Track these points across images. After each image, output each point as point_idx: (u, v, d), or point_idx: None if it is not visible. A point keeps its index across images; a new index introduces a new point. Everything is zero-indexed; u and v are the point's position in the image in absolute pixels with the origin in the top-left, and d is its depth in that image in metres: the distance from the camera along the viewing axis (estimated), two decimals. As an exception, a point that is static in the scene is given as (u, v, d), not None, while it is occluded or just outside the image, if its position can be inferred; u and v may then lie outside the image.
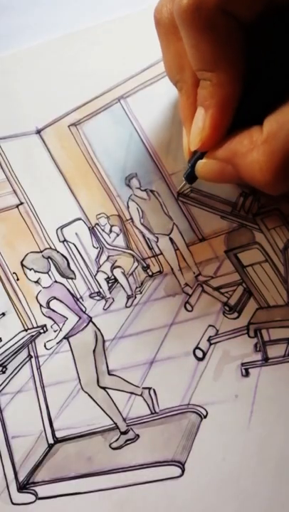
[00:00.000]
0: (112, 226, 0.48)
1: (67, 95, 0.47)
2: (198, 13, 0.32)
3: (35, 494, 0.41)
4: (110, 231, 0.48)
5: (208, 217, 0.46)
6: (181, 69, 0.37)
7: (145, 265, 0.47)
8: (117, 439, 0.43)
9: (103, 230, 0.48)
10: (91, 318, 0.45)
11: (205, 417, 0.42)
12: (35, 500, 0.41)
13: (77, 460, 0.42)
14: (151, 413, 0.43)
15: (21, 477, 0.42)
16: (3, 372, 0.43)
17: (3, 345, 0.45)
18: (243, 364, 0.43)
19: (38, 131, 0.47)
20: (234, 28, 0.32)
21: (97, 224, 0.47)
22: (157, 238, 0.47)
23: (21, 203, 0.48)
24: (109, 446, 0.42)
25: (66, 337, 0.45)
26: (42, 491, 0.42)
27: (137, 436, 0.42)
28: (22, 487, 0.42)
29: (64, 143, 0.48)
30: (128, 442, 0.42)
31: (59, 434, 0.43)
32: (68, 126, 0.48)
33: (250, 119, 0.35)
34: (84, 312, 0.46)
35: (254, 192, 0.46)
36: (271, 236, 0.45)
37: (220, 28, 0.32)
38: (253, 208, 0.46)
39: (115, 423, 0.43)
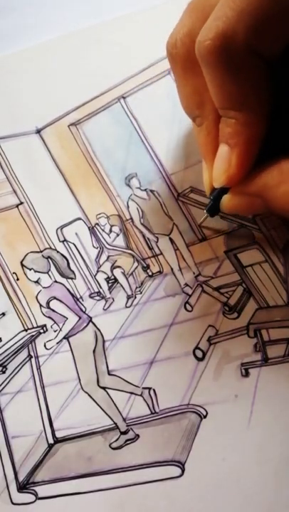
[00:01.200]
0: (112, 226, 0.48)
1: (67, 95, 0.47)
2: (225, 53, 0.29)
3: (35, 494, 0.41)
4: (110, 231, 0.48)
5: (208, 218, 0.46)
6: (200, 105, 0.35)
7: (145, 265, 0.47)
8: (117, 439, 0.43)
9: (103, 230, 0.48)
10: (91, 318, 0.45)
11: (205, 417, 0.42)
12: (35, 500, 0.41)
13: (77, 460, 0.42)
14: (151, 413, 0.43)
15: (21, 477, 0.42)
16: (3, 372, 0.43)
17: (3, 345, 0.44)
18: (242, 364, 0.43)
19: (38, 131, 0.47)
20: (261, 66, 0.30)
21: (97, 224, 0.47)
22: (157, 238, 0.47)
23: (21, 203, 0.48)
24: (109, 446, 0.42)
25: (66, 337, 0.45)
26: (42, 491, 0.42)
27: (137, 436, 0.42)
28: (22, 487, 0.42)
29: (64, 142, 0.48)
30: (128, 442, 0.42)
31: (59, 434, 0.43)
32: (68, 126, 0.48)
33: (275, 151, 0.34)
34: (84, 312, 0.46)
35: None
36: (271, 236, 0.45)
37: (248, 69, 0.30)
38: (253, 208, 0.46)
39: (115, 423, 0.43)
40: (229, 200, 0.37)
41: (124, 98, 0.48)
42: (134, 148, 0.47)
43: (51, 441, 0.43)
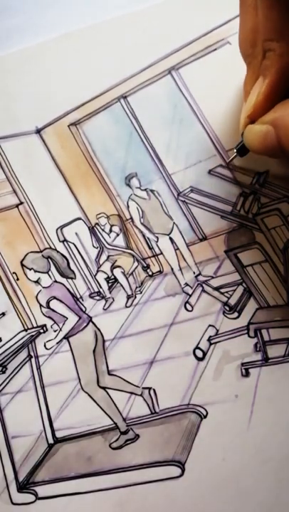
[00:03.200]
0: (112, 226, 0.48)
1: (67, 95, 0.47)
2: None
3: (35, 494, 0.41)
4: (110, 231, 0.48)
5: (208, 217, 0.46)
6: (253, 44, 0.38)
7: (145, 265, 0.47)
8: (117, 439, 0.42)
9: (103, 230, 0.48)
10: (91, 318, 0.45)
11: (205, 417, 0.42)
12: (35, 500, 0.41)
13: (77, 460, 0.42)
14: (151, 413, 0.43)
15: (21, 477, 0.42)
16: (3, 372, 0.43)
17: (3, 345, 0.44)
18: (243, 364, 0.43)
19: (38, 131, 0.47)
20: None
21: (97, 224, 0.47)
22: (157, 238, 0.47)
23: (21, 203, 0.48)
24: (109, 446, 0.42)
25: (66, 337, 0.45)
26: (42, 491, 0.42)
27: (137, 436, 0.42)
28: (22, 487, 0.42)
29: (64, 142, 0.48)
30: (128, 442, 0.42)
31: (59, 434, 0.43)
32: (68, 126, 0.48)
33: None
34: (84, 312, 0.46)
35: (254, 192, 0.46)
36: (271, 236, 0.45)
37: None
38: (253, 207, 0.46)
39: (115, 423, 0.43)
40: (249, 129, 0.39)
41: (124, 98, 0.48)
42: (134, 148, 0.47)
43: (51, 441, 0.43)
